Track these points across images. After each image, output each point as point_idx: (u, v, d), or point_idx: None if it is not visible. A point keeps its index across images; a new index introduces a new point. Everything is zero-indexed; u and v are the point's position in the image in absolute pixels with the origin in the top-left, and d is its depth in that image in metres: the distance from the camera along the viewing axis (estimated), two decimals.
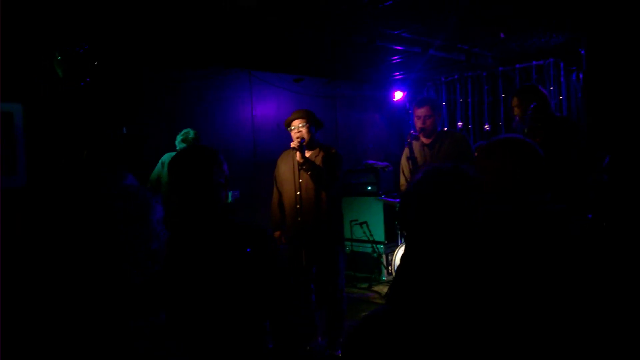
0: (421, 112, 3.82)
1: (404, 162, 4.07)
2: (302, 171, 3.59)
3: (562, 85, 5.88)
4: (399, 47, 4.96)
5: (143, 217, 1.05)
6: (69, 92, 3.82)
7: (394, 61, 5.82)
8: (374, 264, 6.01)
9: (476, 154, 4.13)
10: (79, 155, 3.83)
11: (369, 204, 6.02)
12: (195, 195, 1.74)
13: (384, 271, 5.92)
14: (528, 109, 3.19)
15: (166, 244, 1.69)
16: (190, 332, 1.64)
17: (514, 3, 3.97)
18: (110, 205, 0.94)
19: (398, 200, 5.13)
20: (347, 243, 6.01)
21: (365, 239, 5.86)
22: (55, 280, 0.85)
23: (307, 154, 3.63)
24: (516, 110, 3.44)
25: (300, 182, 3.65)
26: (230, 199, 4.59)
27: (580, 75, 5.59)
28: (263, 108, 5.92)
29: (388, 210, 5.90)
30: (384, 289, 5.49)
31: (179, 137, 4.35)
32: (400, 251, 4.87)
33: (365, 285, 5.76)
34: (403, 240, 4.94)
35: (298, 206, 3.64)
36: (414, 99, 4.51)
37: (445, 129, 6.66)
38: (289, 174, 3.72)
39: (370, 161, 6.41)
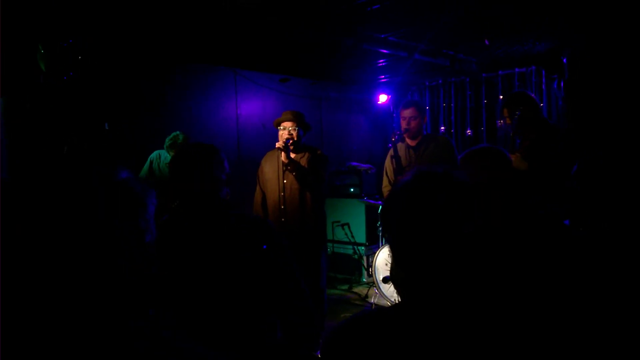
0: (407, 113, 3.89)
1: (387, 162, 4.11)
2: (287, 172, 3.59)
3: (543, 92, 5.99)
4: (385, 51, 4.99)
5: (138, 211, 1.05)
6: (51, 86, 3.76)
7: (380, 64, 5.86)
8: (354, 265, 6.04)
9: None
10: (60, 150, 3.78)
11: (351, 205, 6.05)
12: (197, 189, 1.75)
13: (365, 273, 5.95)
14: (515, 117, 3.24)
15: (163, 239, 1.69)
16: (195, 325, 1.64)
17: (499, 10, 4.04)
18: (105, 198, 0.93)
19: (380, 202, 5.17)
20: (329, 244, 6.03)
21: (347, 240, 5.89)
22: (49, 278, 0.84)
23: (293, 156, 3.62)
24: (507, 119, 3.49)
25: (284, 183, 3.65)
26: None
27: (562, 84, 5.70)
28: (248, 107, 5.90)
29: (370, 213, 5.93)
30: (364, 291, 5.52)
31: (167, 141, 4.30)
32: (381, 253, 4.90)
33: (345, 287, 5.78)
34: (384, 243, 4.98)
35: (282, 207, 3.64)
36: (398, 102, 4.56)
37: (432, 133, 6.72)
38: (273, 175, 3.71)
39: (354, 163, 6.45)
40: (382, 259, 4.87)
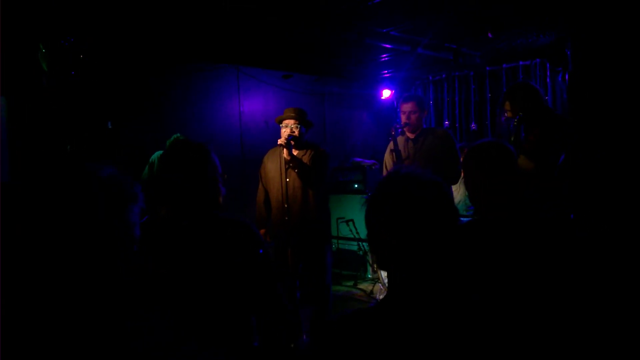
0: (407, 107, 3.87)
1: (387, 155, 4.09)
2: (289, 169, 3.58)
3: (548, 85, 5.94)
4: (388, 45, 4.97)
5: (129, 207, 1.04)
6: (53, 85, 3.76)
7: (383, 59, 5.83)
8: (359, 261, 6.03)
9: (461, 158, 4.16)
10: (63, 149, 3.78)
11: (355, 201, 6.03)
12: (188, 189, 1.71)
13: (370, 269, 5.94)
14: (518, 111, 3.19)
15: (147, 239, 1.67)
16: (172, 325, 1.63)
17: (502, 3, 4.01)
18: (103, 198, 0.92)
19: None
20: (334, 241, 6.02)
21: (352, 236, 5.87)
22: (48, 279, 0.84)
23: (295, 152, 3.61)
24: (508, 112, 3.43)
25: (287, 181, 3.63)
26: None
27: (566, 76, 5.65)
28: (251, 104, 5.89)
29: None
30: (369, 287, 5.51)
31: (167, 144, 4.28)
32: None
33: (350, 283, 5.77)
34: None
35: (285, 205, 3.62)
36: (401, 97, 4.53)
37: (432, 127, 6.70)
38: (276, 172, 3.70)
39: (358, 159, 6.43)
40: None
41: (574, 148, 3.07)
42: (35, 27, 3.70)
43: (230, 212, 1.81)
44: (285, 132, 3.61)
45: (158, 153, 4.36)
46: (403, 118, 3.89)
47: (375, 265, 5.76)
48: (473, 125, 6.72)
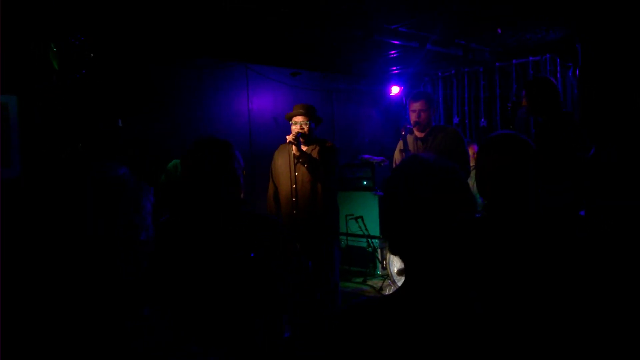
0: (416, 105, 3.84)
1: (397, 155, 4.08)
2: (298, 164, 3.60)
3: (558, 81, 5.89)
4: (396, 42, 4.94)
5: (133, 208, 1.04)
6: (64, 84, 3.80)
7: (391, 56, 5.81)
8: (369, 258, 6.03)
9: (473, 156, 4.15)
10: (74, 148, 3.81)
11: (364, 198, 6.03)
12: (215, 185, 1.71)
13: (379, 265, 5.94)
14: (538, 102, 3.26)
15: (163, 237, 1.68)
16: (203, 324, 1.63)
17: None
18: (107, 197, 0.93)
19: None
20: (342, 237, 6.02)
21: (361, 233, 5.87)
22: (51, 277, 0.85)
23: (304, 148, 3.63)
24: (523, 101, 3.47)
25: (296, 175, 3.66)
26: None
27: (577, 71, 5.60)
28: (260, 102, 5.90)
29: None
30: (378, 283, 5.51)
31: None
32: None
33: (360, 280, 5.78)
34: None
35: (294, 199, 3.64)
36: (410, 93, 4.51)
37: (441, 124, 6.67)
38: (285, 167, 3.73)
39: (366, 156, 6.42)
40: None
41: (583, 145, 3.06)
42: (45, 26, 3.74)
43: (256, 209, 1.83)
44: (294, 128, 3.63)
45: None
46: (413, 117, 3.86)
47: (384, 262, 5.76)
48: (483, 122, 6.68)
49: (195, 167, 1.74)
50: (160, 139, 4.66)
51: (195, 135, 4.41)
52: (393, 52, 5.62)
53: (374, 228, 5.92)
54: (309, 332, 1.79)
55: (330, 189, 3.73)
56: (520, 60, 6.18)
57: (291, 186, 3.67)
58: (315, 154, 3.66)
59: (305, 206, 3.63)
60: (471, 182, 5.28)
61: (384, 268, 5.82)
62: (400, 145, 3.95)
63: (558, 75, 5.89)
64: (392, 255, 4.99)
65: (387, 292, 5.11)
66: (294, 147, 3.53)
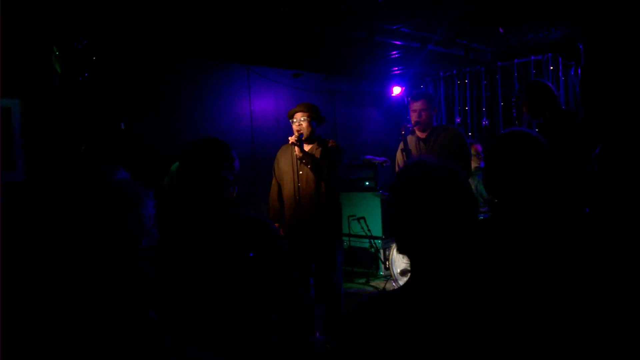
0: (417, 105, 3.84)
1: (398, 155, 4.08)
2: (301, 164, 3.61)
3: (560, 80, 5.88)
4: (398, 42, 4.95)
5: (136, 214, 1.04)
6: (66, 87, 3.81)
7: (393, 56, 5.81)
8: (371, 259, 6.03)
9: (477, 156, 4.17)
10: (77, 151, 3.83)
11: (367, 199, 6.03)
12: (201, 188, 1.72)
13: (382, 266, 5.94)
14: (536, 106, 3.31)
15: (164, 239, 1.68)
16: (193, 326, 1.64)
17: None
18: (107, 202, 0.93)
19: None
20: (345, 238, 6.02)
21: (363, 234, 5.87)
22: (53, 282, 0.85)
23: (307, 147, 3.64)
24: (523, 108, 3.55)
25: (299, 175, 3.67)
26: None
27: (579, 70, 5.59)
28: (261, 103, 5.91)
29: (386, 206, 5.90)
30: (381, 284, 5.51)
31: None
32: None
33: (362, 281, 5.78)
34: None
35: (297, 198, 3.65)
36: (411, 94, 4.52)
37: (443, 124, 6.68)
38: (288, 167, 3.74)
39: (369, 156, 6.42)
40: None
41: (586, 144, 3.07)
42: (48, 29, 3.75)
43: (247, 210, 1.83)
44: (295, 126, 3.65)
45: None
46: (414, 116, 3.86)
47: (387, 263, 5.76)
48: (485, 121, 6.67)
49: (190, 167, 1.76)
50: (162, 141, 4.67)
51: (197, 137, 4.42)
52: (394, 52, 5.62)
53: (377, 228, 5.92)
54: (297, 333, 1.79)
55: (334, 189, 3.73)
56: (522, 60, 6.18)
57: (295, 186, 3.67)
58: (318, 154, 3.66)
59: (308, 206, 3.64)
60: (473, 182, 5.27)
61: (387, 269, 5.82)
62: (401, 145, 3.95)
63: (560, 74, 5.89)
64: (394, 256, 4.99)
65: None
66: (296, 148, 3.54)
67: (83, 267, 0.84)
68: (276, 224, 3.87)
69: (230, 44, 4.80)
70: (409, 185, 1.11)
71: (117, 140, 4.13)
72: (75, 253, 0.84)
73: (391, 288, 5.13)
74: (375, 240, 5.91)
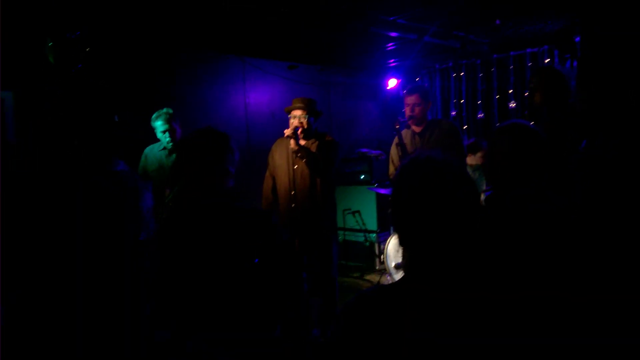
0: (411, 99, 3.84)
1: (393, 149, 4.07)
2: (297, 158, 3.59)
3: None
4: (394, 34, 4.92)
5: (134, 205, 1.02)
6: (60, 79, 3.77)
7: (389, 48, 5.79)
8: (366, 253, 6.03)
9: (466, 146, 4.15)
10: (70, 143, 3.78)
11: (362, 193, 6.02)
12: (204, 180, 1.70)
13: (376, 260, 5.94)
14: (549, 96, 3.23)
15: (163, 231, 1.66)
16: (194, 319, 1.62)
17: None
18: (105, 198, 0.91)
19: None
20: (340, 232, 6.02)
21: (358, 228, 5.87)
22: (50, 275, 0.83)
23: (303, 142, 3.61)
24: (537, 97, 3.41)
25: (295, 169, 3.64)
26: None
27: (575, 63, 5.59)
28: (256, 95, 5.87)
29: (381, 200, 5.90)
30: (376, 278, 5.51)
31: (154, 116, 4.09)
32: (392, 240, 4.88)
33: (357, 274, 5.78)
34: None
35: (292, 192, 3.63)
36: (407, 86, 4.50)
37: (438, 118, 6.68)
38: (283, 161, 3.71)
39: (364, 150, 6.40)
40: (394, 245, 4.85)
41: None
42: (41, 21, 3.70)
43: (249, 202, 1.81)
44: (293, 122, 3.60)
45: (151, 146, 4.22)
46: (407, 110, 3.87)
47: (382, 257, 5.77)
48: (480, 114, 6.67)
49: (190, 156, 1.73)
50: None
51: (192, 128, 4.38)
52: (390, 44, 5.59)
53: (372, 222, 5.92)
54: (298, 326, 1.79)
55: (329, 184, 3.72)
56: (518, 52, 6.17)
57: (290, 179, 3.65)
58: (314, 148, 3.63)
59: (304, 200, 3.62)
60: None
61: (382, 262, 5.83)
62: (396, 139, 3.95)
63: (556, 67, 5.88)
64: (389, 250, 4.99)
65: None
66: (292, 141, 3.51)
67: (80, 260, 0.83)
68: None
69: (226, 35, 4.76)
70: (413, 180, 1.11)
71: (111, 132, 4.08)
72: (72, 246, 0.83)
73: (386, 282, 5.14)
74: (370, 234, 5.91)
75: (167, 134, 3.93)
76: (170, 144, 3.94)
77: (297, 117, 3.60)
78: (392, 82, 6.91)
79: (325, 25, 4.54)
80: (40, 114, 3.90)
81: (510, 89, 6.31)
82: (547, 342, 1.23)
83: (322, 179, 3.63)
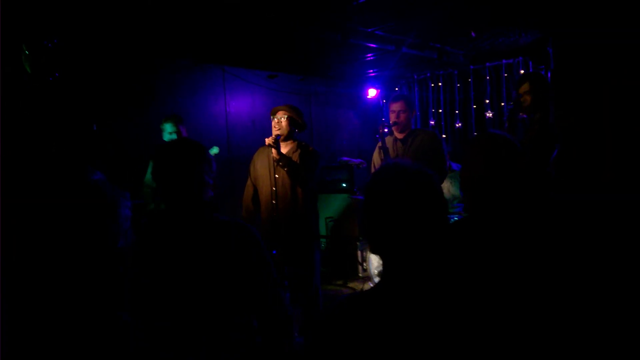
0: (396, 106, 3.92)
1: (375, 154, 4.12)
2: (278, 167, 3.60)
3: None
4: (373, 45, 4.99)
5: (111, 213, 1.02)
6: (37, 87, 3.72)
7: (368, 59, 5.86)
8: (348, 260, 6.04)
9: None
10: (47, 151, 3.73)
11: (343, 200, 6.05)
12: (182, 191, 1.69)
13: (359, 268, 5.96)
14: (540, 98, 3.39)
15: (141, 241, 1.66)
16: (174, 328, 1.62)
17: (484, 3, 4.05)
18: (82, 205, 0.92)
19: None
20: (322, 240, 6.03)
21: (340, 236, 5.89)
22: (27, 280, 0.84)
23: (284, 149, 3.63)
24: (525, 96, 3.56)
25: (276, 178, 3.65)
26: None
27: (549, 74, 5.73)
28: (237, 104, 5.88)
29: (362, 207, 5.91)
30: (359, 285, 5.53)
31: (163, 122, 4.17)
32: None
33: (340, 282, 5.79)
34: None
35: (274, 202, 3.63)
36: (387, 96, 4.57)
37: (419, 127, 6.76)
38: (265, 170, 3.71)
39: (345, 158, 6.44)
40: None
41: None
42: (17, 28, 3.65)
43: (224, 212, 1.82)
44: (275, 123, 3.64)
45: None
46: (392, 117, 3.94)
47: (364, 264, 5.79)
48: (458, 124, 6.79)
49: (164, 169, 1.72)
50: (137, 141, 4.60)
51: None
52: (370, 55, 5.67)
53: (354, 230, 5.95)
54: (279, 337, 1.79)
55: (310, 192, 3.74)
56: (494, 63, 6.31)
57: (271, 189, 3.65)
58: (295, 158, 3.65)
59: (285, 209, 3.62)
60: (447, 183, 5.34)
61: (364, 270, 5.85)
62: (379, 143, 4.00)
63: None
64: (372, 257, 5.02)
65: None
66: (273, 150, 3.52)
67: (59, 268, 0.83)
68: None
69: (206, 44, 4.77)
70: (383, 186, 1.14)
71: (89, 141, 4.06)
72: (51, 253, 0.83)
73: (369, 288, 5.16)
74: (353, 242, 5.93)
75: (174, 135, 4.07)
76: None
77: (278, 118, 3.65)
78: (372, 92, 6.99)
79: (305, 35, 4.59)
80: (17, 121, 3.84)
81: (487, 99, 6.44)
82: (534, 345, 1.27)
83: (303, 187, 3.64)
